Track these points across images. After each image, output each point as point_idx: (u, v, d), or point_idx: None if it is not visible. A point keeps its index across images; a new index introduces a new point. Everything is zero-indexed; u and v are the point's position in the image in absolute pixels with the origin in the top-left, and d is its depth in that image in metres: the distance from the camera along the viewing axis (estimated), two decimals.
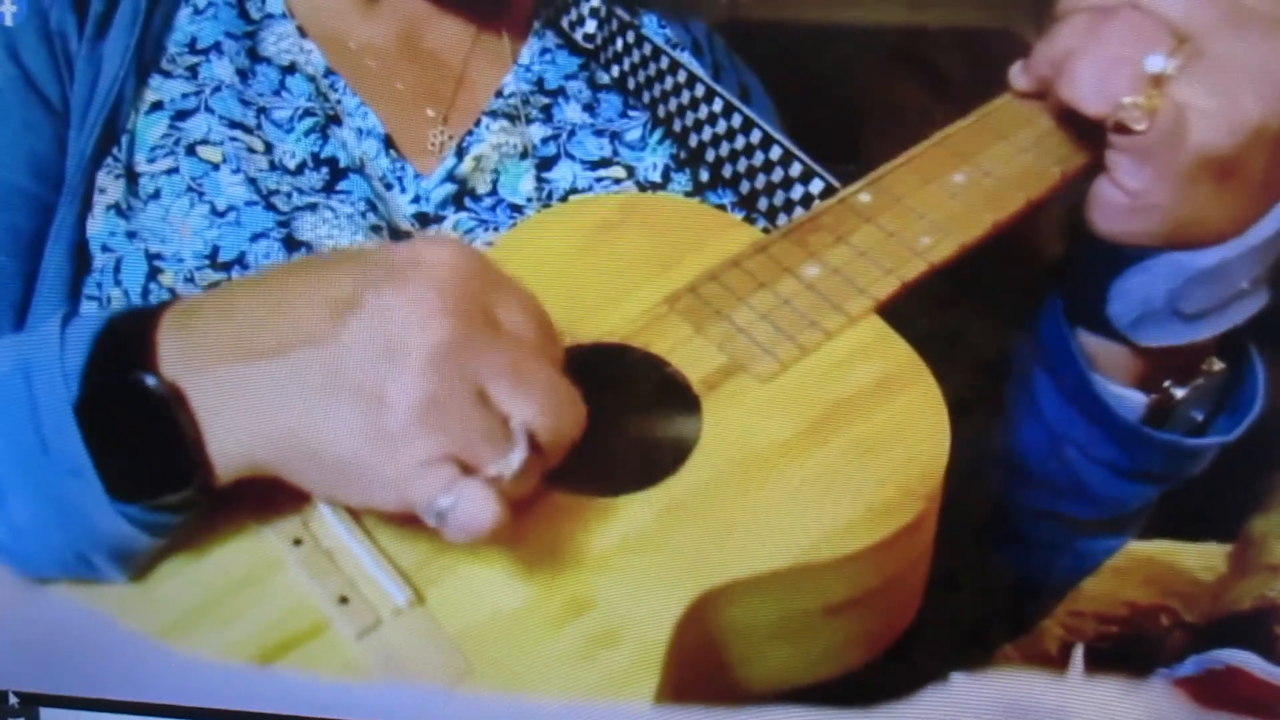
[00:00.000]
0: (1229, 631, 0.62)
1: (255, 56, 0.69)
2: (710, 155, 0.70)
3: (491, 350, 0.48)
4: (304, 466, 0.49)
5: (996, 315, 0.67)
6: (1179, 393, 0.62)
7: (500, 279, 0.51)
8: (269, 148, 0.66)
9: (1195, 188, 0.56)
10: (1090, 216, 0.59)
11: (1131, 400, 0.62)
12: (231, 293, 0.52)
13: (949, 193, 0.61)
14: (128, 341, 0.50)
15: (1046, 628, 0.65)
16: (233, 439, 0.49)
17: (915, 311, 0.59)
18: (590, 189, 0.70)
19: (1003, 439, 0.65)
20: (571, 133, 0.71)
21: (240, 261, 0.62)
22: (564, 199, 0.69)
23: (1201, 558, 0.68)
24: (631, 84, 0.73)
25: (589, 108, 0.73)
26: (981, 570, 0.65)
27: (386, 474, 0.48)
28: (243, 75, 0.68)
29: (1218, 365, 0.63)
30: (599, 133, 0.72)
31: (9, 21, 0.64)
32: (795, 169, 0.66)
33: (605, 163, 0.70)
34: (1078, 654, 0.55)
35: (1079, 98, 0.57)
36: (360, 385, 0.47)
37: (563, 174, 0.70)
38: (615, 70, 0.73)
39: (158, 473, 0.49)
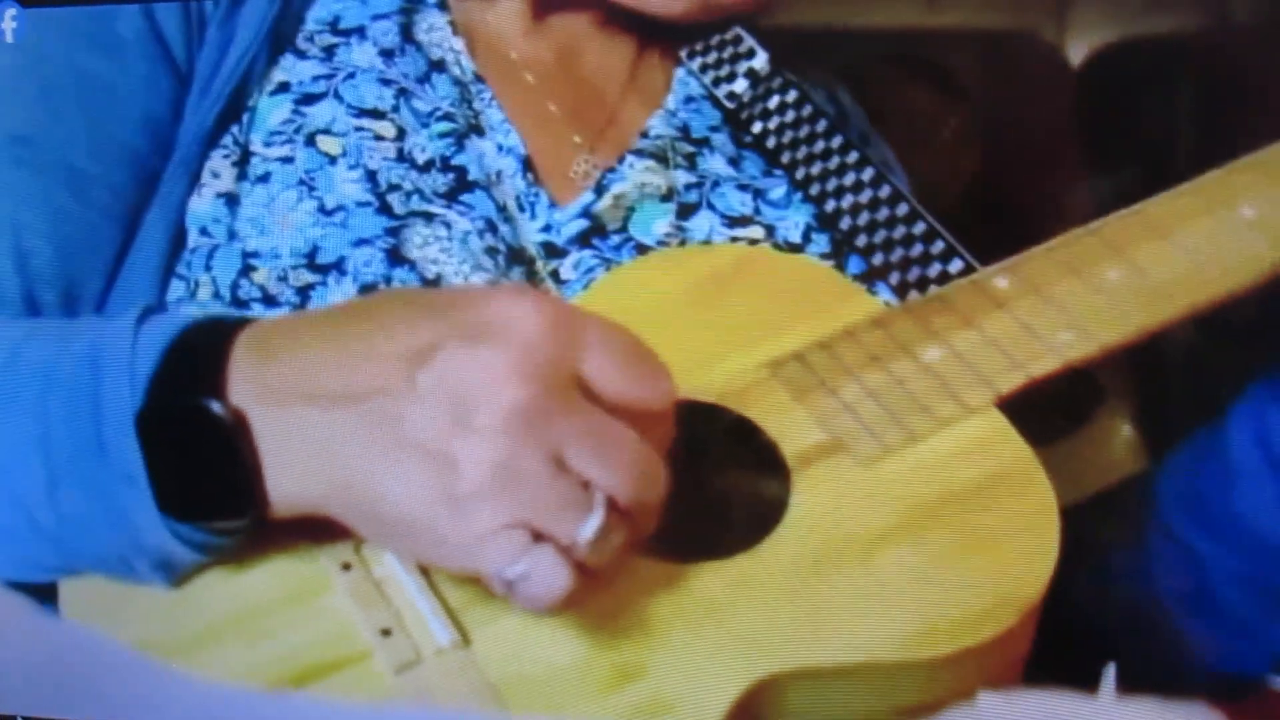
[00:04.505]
0: None
1: (408, 36, 0.72)
2: (846, 223, 0.71)
3: (570, 416, 0.50)
4: (363, 517, 0.52)
5: None
6: None
7: (597, 334, 0.51)
8: (401, 134, 0.69)
9: None
10: None
11: None
12: (308, 327, 0.55)
13: (1097, 288, 0.62)
14: (200, 357, 0.53)
15: None
16: (292, 479, 0.52)
17: None
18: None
19: (1214, 502, 0.65)
20: (715, 184, 0.74)
21: (339, 266, 0.65)
22: None
23: None
24: (772, 143, 0.75)
25: (733, 161, 0.75)
26: None
27: (453, 538, 0.50)
28: (388, 55, 0.71)
29: None
30: (743, 188, 0.74)
31: (9, 38, 0.68)
32: (937, 246, 0.68)
33: (745, 221, 0.72)
34: (1109, 673, 0.55)
35: None
36: (429, 444, 0.49)
37: (701, 224, 0.72)
38: (757, 128, 0.76)
39: (212, 498, 0.53)
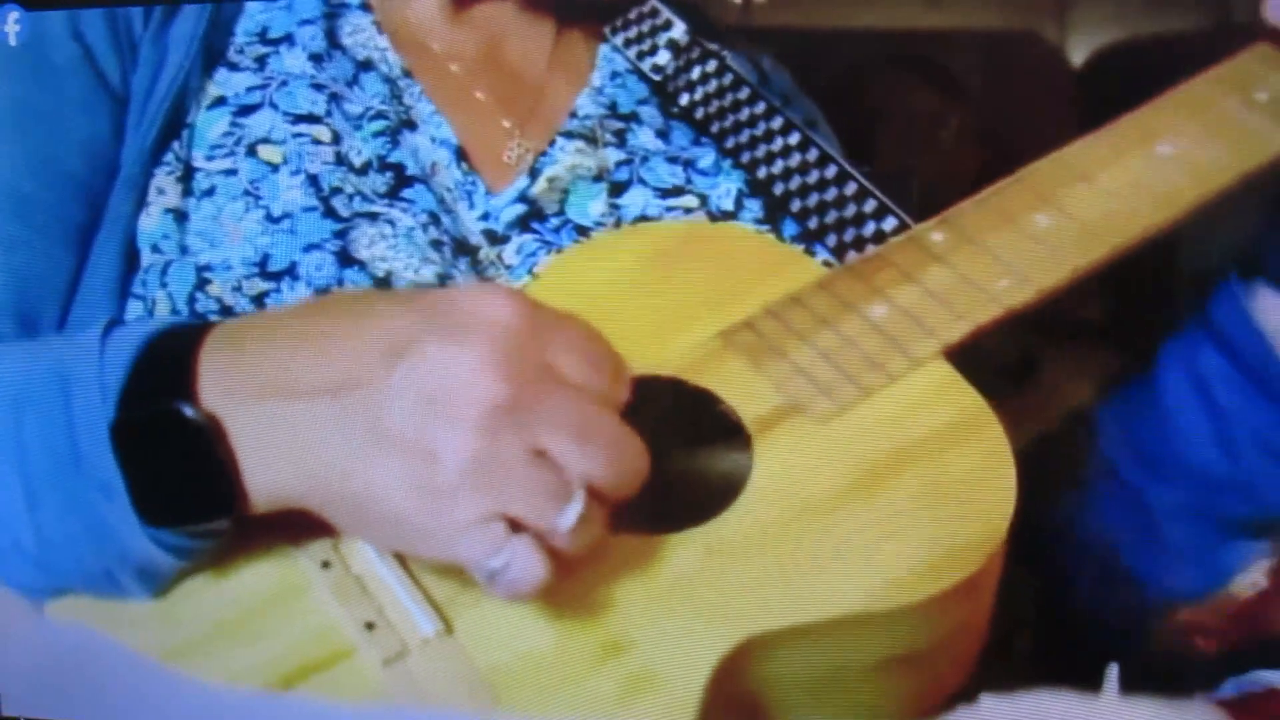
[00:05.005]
0: (1268, 652, 0.64)
1: (333, 41, 0.73)
2: (779, 189, 0.73)
3: (549, 407, 0.51)
4: (343, 511, 0.53)
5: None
6: None
7: (562, 328, 0.53)
8: (337, 138, 0.70)
9: None
10: None
11: None
12: (279, 323, 0.56)
13: (1029, 235, 0.64)
14: (169, 363, 0.54)
15: None
16: (271, 475, 0.53)
17: None
18: (660, 218, 0.73)
19: (1146, 437, 0.68)
20: (645, 159, 0.75)
21: (291, 272, 0.65)
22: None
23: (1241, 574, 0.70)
24: (700, 114, 0.76)
25: (662, 134, 0.77)
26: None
27: (434, 530, 0.51)
28: (317, 60, 0.72)
29: None
30: (672, 160, 0.75)
31: (13, 41, 0.68)
32: (869, 205, 0.69)
33: (678, 191, 0.74)
34: (1112, 673, 0.57)
35: None
36: (409, 438, 0.50)
37: (634, 200, 0.73)
38: (684, 100, 0.77)
39: (191, 501, 0.53)
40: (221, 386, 0.53)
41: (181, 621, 0.55)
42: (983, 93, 0.70)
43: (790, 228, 0.73)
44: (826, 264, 0.68)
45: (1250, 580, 0.66)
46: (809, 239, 0.72)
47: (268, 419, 0.52)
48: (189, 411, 0.52)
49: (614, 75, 0.79)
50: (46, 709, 0.56)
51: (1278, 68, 0.68)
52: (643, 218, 0.73)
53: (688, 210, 0.73)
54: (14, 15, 0.68)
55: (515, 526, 0.51)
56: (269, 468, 0.52)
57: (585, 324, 0.54)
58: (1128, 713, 0.54)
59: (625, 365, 0.55)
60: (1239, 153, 0.65)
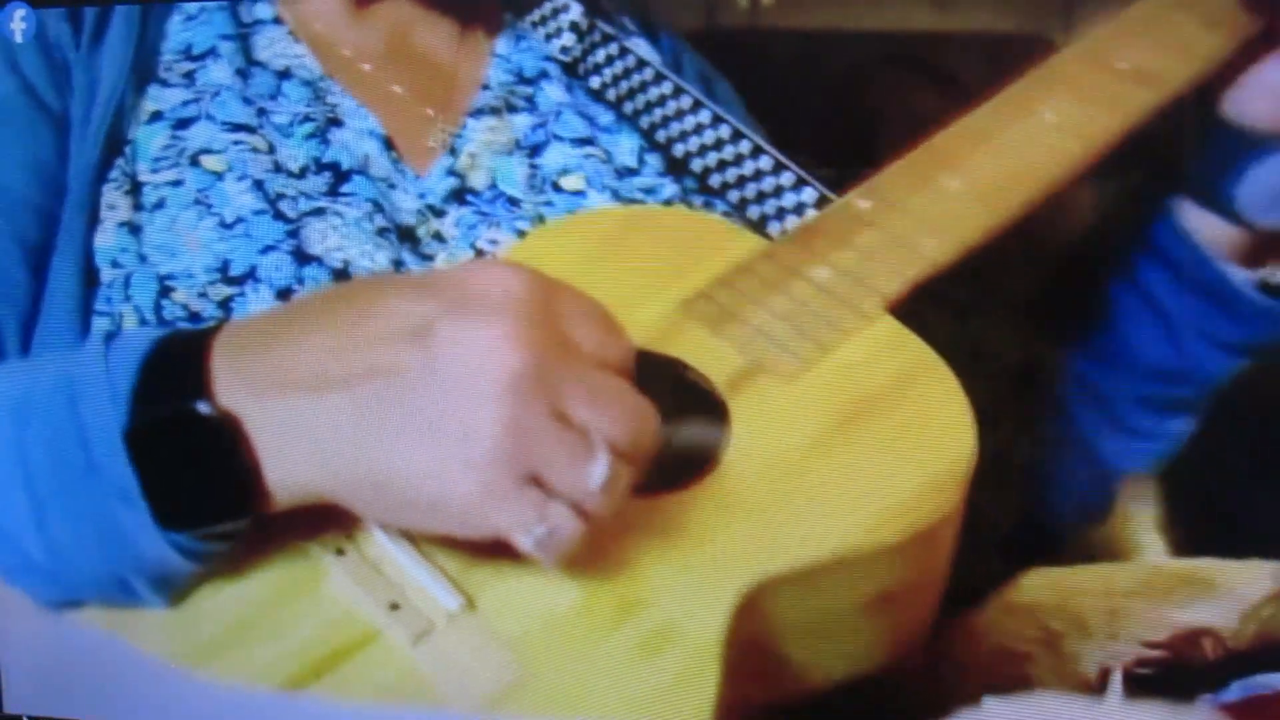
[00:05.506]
0: (1275, 655, 0.68)
1: (250, 59, 0.74)
2: (697, 165, 0.76)
3: (568, 372, 0.52)
4: (373, 498, 0.53)
5: (1015, 324, 0.75)
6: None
7: (568, 297, 0.55)
8: (272, 148, 0.70)
9: None
10: (1247, 103, 0.69)
11: (1242, 277, 0.72)
12: (289, 318, 0.56)
13: (944, 196, 0.69)
14: (179, 366, 0.53)
15: (1085, 651, 0.71)
16: (294, 470, 0.53)
17: (934, 323, 0.66)
18: (580, 167, 0.75)
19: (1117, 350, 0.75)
20: (558, 114, 0.78)
21: (253, 275, 0.66)
22: (555, 185, 0.75)
23: (1246, 573, 0.75)
24: (612, 95, 0.79)
25: (569, 87, 0.80)
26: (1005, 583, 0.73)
27: (475, 505, 0.52)
28: (242, 75, 0.73)
29: None
30: (580, 113, 0.78)
31: (19, 39, 0.69)
32: (786, 178, 0.73)
33: (589, 140, 0.77)
34: (1116, 676, 0.60)
35: None
36: (437, 418, 0.51)
37: (553, 158, 0.76)
38: (595, 82, 0.80)
39: (212, 502, 0.53)
40: (238, 384, 0.52)
41: (200, 623, 0.55)
42: (987, 94, 0.74)
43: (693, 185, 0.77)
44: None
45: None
46: (721, 204, 0.75)
47: (290, 414, 0.52)
48: (204, 409, 0.52)
49: (518, 39, 0.81)
50: (49, 707, 0.55)
51: (1133, 40, 0.75)
52: (564, 171, 0.75)
53: (603, 161, 0.76)
54: (20, 13, 0.68)
55: (547, 492, 0.52)
56: (292, 463, 0.52)
57: (587, 294, 0.56)
58: (1131, 717, 0.57)
59: (625, 332, 0.57)
60: (1111, 114, 0.71)
